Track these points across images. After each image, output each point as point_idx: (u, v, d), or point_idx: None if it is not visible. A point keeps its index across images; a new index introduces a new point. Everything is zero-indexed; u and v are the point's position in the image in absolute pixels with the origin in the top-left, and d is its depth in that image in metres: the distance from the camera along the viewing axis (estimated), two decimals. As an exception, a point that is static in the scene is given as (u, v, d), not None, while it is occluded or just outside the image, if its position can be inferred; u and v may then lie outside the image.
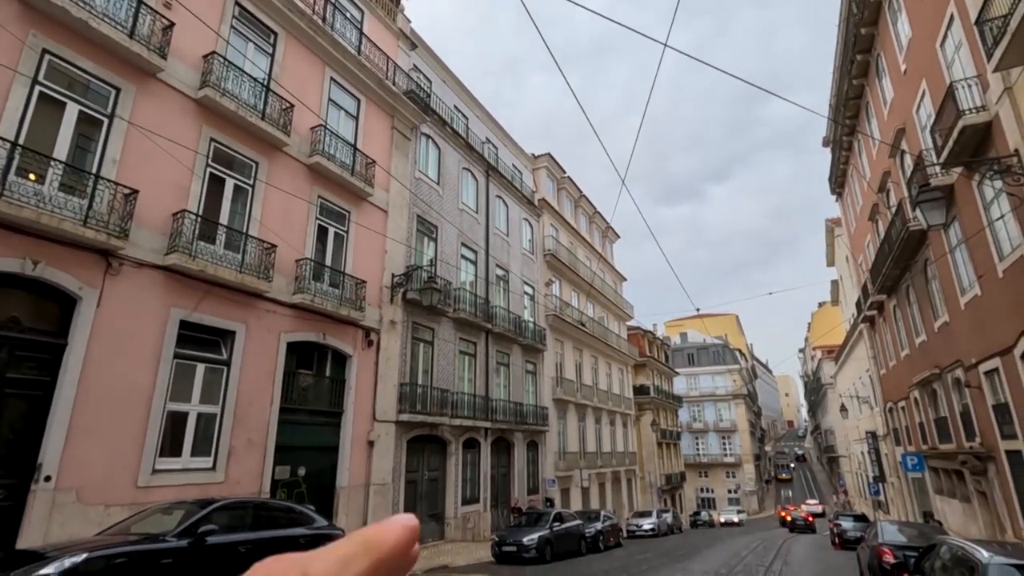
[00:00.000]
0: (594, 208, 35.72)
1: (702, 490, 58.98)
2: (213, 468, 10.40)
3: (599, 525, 19.19)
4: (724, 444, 60.59)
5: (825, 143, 27.20)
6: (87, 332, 8.79)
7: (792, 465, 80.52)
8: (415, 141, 18.20)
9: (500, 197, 23.78)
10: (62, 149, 8.89)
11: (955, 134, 10.53)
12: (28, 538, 7.64)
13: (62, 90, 9.02)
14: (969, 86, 10.67)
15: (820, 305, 67.15)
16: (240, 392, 11.08)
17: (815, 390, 66.02)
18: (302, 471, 12.44)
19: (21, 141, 8.33)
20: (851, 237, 27.21)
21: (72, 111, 9.09)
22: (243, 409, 11.08)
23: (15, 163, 8.14)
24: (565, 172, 31.47)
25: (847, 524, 21.66)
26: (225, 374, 10.96)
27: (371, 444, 14.26)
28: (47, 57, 8.81)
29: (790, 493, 67.55)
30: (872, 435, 26.62)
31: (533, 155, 29.26)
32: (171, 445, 9.86)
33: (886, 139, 16.96)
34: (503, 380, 21.66)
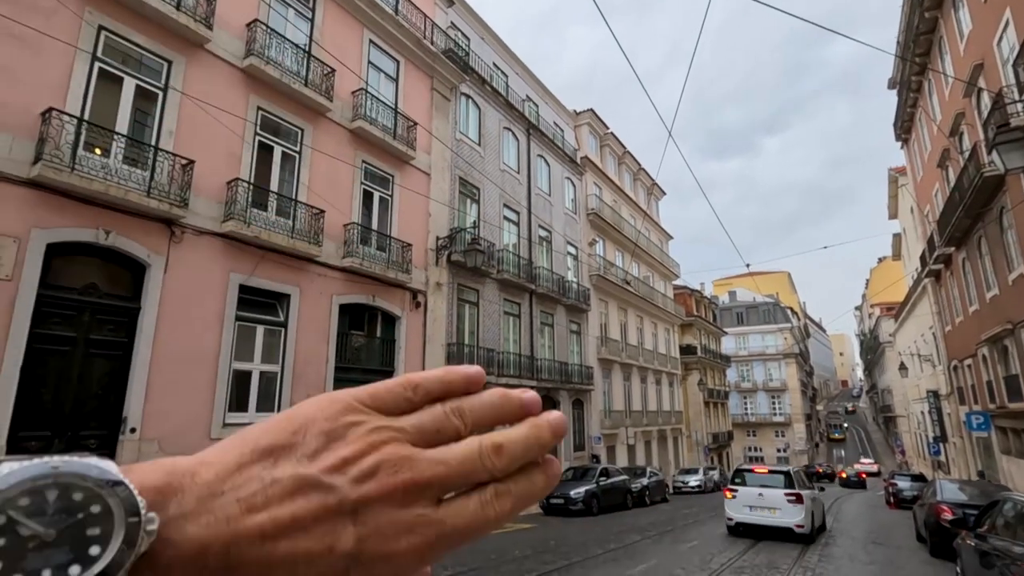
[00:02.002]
0: (639, 164, 34.71)
1: (750, 449, 58.56)
2: (277, 422, 11.08)
3: (645, 481, 19.48)
4: (773, 403, 59.61)
5: (891, 85, 25.26)
6: (157, 296, 9.39)
7: (845, 425, 78.54)
8: (455, 101, 18.04)
9: (542, 156, 23.43)
10: (123, 123, 9.32)
11: (1041, 67, 9.59)
12: (120, 482, 8.43)
13: (119, 65, 9.38)
14: (1061, 11, 9.62)
15: (880, 260, 63.88)
16: (297, 352, 11.66)
17: (872, 349, 63.62)
18: (358, 426, 13.08)
19: (86, 117, 8.78)
20: (917, 186, 25.50)
21: (129, 86, 9.47)
22: (301, 368, 11.68)
23: (82, 138, 8.61)
24: (608, 128, 30.56)
25: (903, 483, 21.15)
26: (283, 335, 11.53)
27: (421, 401, 14.79)
28: (103, 33, 9.15)
29: (843, 453, 66.22)
30: (934, 394, 25.58)
31: (575, 111, 28.50)
32: (238, 401, 10.56)
33: (961, 76, 15.60)
34: (547, 340, 21.85)
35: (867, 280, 70.22)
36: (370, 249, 13.67)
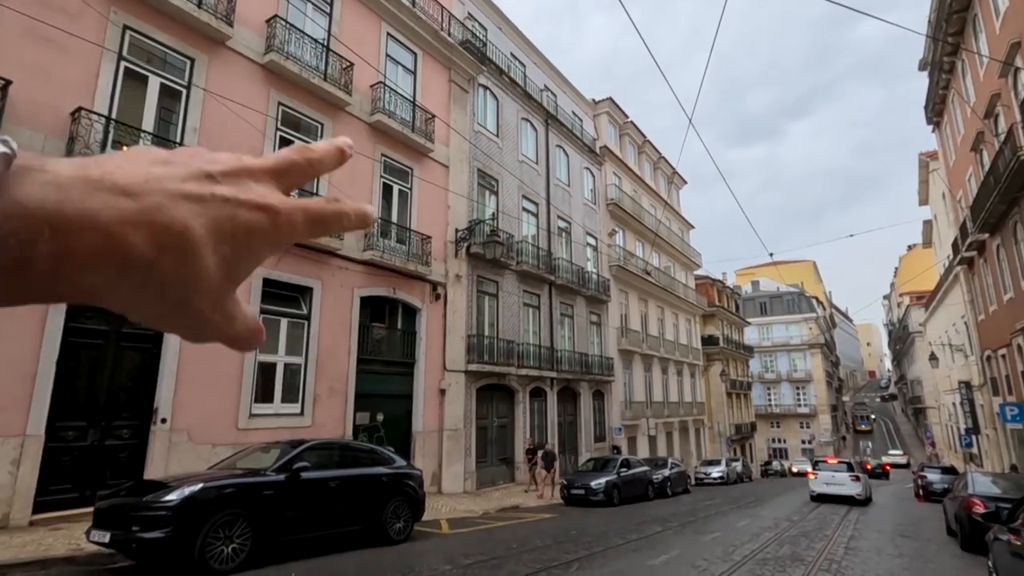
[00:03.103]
0: (659, 153, 34.25)
1: (774, 440, 57.82)
2: (301, 413, 11.31)
3: (666, 472, 19.38)
4: (798, 395, 58.70)
5: (922, 66, 24.42)
6: (184, 290, 9.59)
7: (873, 416, 76.96)
8: (472, 93, 17.99)
9: (560, 147, 23.27)
10: (149, 121, 9.52)
11: (1083, 44, 9.16)
12: (152, 470, 8.71)
13: (144, 64, 9.57)
14: (1105, -15, 9.17)
15: (910, 248, 62.23)
16: (320, 344, 11.85)
17: (901, 339, 62.16)
18: (380, 417, 13.27)
19: (114, 115, 8.98)
20: (949, 171, 24.69)
21: (154, 84, 9.66)
22: (324, 359, 11.87)
23: (111, 137, 8.82)
24: (628, 117, 30.20)
25: (933, 476, 20.69)
26: (306, 327, 11.73)
27: (443, 392, 14.94)
28: (128, 33, 9.34)
29: (870, 445, 64.94)
30: (966, 385, 24.89)
31: (593, 100, 28.20)
32: (264, 392, 10.78)
33: (997, 55, 15.02)
34: (567, 331, 21.82)
35: (896, 268, 68.54)
36: (390, 242, 13.78)
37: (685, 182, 38.99)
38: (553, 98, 23.76)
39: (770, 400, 59.35)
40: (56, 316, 8.02)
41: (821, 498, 17.58)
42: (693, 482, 24.84)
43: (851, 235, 26.68)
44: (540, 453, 16.24)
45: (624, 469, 16.19)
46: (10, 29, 8.00)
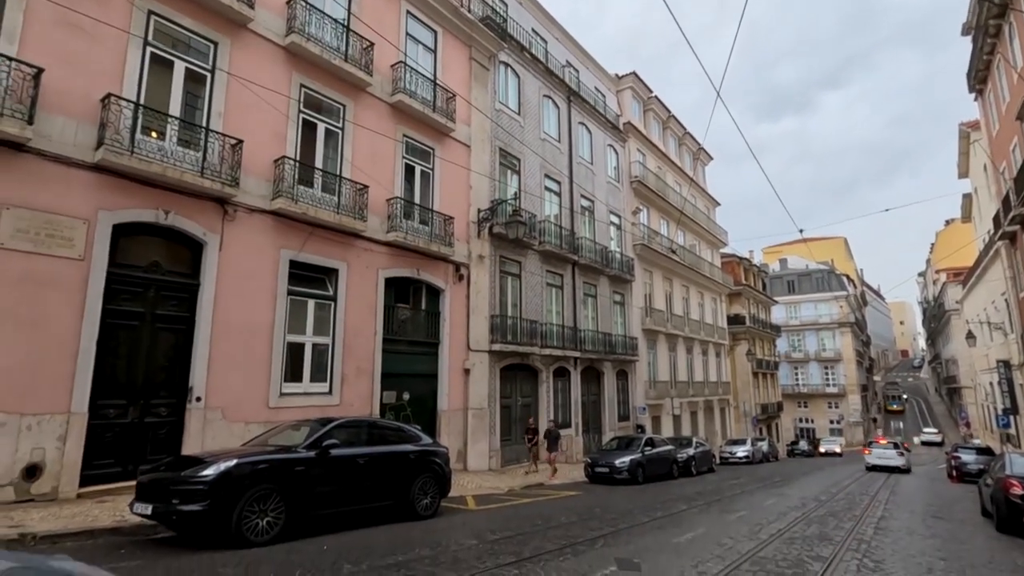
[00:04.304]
0: (684, 129, 33.47)
1: (801, 420, 57.14)
2: (329, 392, 11.56)
3: (691, 451, 19.33)
4: (826, 374, 57.71)
5: (965, 30, 23.15)
6: (214, 273, 9.83)
7: (904, 396, 75.25)
8: (494, 70, 17.76)
9: (583, 124, 22.90)
10: (175, 106, 9.64)
11: None
12: (189, 447, 9.04)
13: (169, 49, 9.66)
14: None
15: (947, 223, 60.12)
16: (347, 325, 12.03)
17: (936, 317, 60.40)
18: (406, 396, 13.49)
19: (142, 101, 9.12)
20: (992, 141, 23.56)
21: (180, 69, 9.75)
22: (351, 340, 12.06)
23: (139, 122, 8.97)
24: (652, 92, 29.51)
25: (967, 456, 20.21)
26: (332, 308, 11.91)
27: (467, 372, 15.08)
28: (153, 18, 9.42)
29: (901, 425, 63.63)
30: (1005, 364, 24.09)
31: (617, 75, 27.60)
32: (293, 372, 11.03)
33: (1047, 17, 14.14)
34: (591, 311, 21.73)
35: (932, 244, 66.35)
36: (413, 223, 13.83)
37: (711, 158, 38.12)
38: (575, 74, 23.32)
39: (797, 380, 58.52)
40: (95, 298, 8.29)
41: (875, 468, 23.04)
42: (718, 461, 24.75)
43: (887, 209, 25.91)
44: (544, 432, 16.01)
45: (648, 448, 16.21)
46: (41, 17, 8.14)
